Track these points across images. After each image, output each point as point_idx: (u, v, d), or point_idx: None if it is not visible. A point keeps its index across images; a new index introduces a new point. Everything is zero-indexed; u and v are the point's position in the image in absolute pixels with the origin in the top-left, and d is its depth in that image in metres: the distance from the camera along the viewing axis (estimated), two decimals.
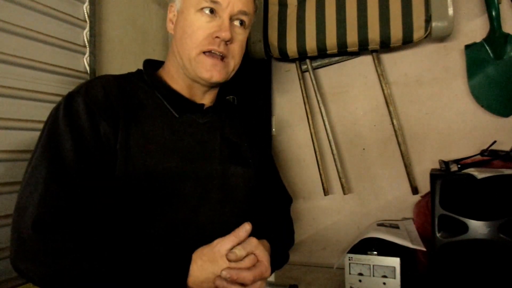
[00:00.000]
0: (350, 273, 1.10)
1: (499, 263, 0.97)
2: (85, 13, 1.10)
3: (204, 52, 0.77)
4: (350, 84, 1.45)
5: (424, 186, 1.31)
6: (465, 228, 1.00)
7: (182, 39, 0.79)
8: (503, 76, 1.23)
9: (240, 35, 0.81)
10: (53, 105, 0.74)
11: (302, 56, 1.38)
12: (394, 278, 1.05)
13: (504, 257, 0.97)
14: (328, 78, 1.47)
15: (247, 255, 0.67)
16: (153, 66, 0.86)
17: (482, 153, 1.20)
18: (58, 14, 1.02)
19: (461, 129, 1.31)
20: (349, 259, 1.10)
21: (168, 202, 0.73)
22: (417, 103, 1.36)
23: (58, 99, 0.75)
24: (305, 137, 1.48)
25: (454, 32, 1.26)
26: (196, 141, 0.80)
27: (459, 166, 1.08)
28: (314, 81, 1.42)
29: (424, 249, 1.05)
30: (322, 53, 1.34)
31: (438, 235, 1.02)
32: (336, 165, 1.40)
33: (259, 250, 0.68)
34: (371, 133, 1.42)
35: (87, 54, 1.10)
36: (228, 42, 0.78)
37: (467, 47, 1.27)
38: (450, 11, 1.18)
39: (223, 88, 0.91)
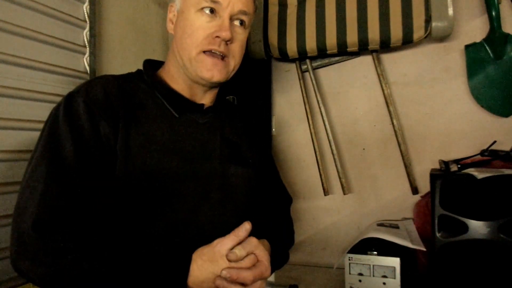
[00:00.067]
0: (350, 273, 1.10)
1: (499, 263, 0.97)
2: (85, 13, 1.10)
3: (204, 52, 0.77)
4: (350, 84, 1.45)
5: (424, 186, 1.31)
6: (465, 228, 1.00)
7: (182, 39, 0.79)
8: (503, 76, 1.23)
9: (240, 35, 0.81)
10: (53, 105, 0.74)
11: (302, 56, 1.38)
12: (394, 278, 1.05)
13: (504, 257, 0.97)
14: (328, 78, 1.47)
15: (247, 255, 0.67)
16: (153, 66, 0.86)
17: (482, 153, 1.20)
18: (58, 14, 1.02)
19: (461, 129, 1.31)
20: (349, 259, 1.10)
21: (168, 202, 0.73)
22: (417, 103, 1.36)
23: (58, 99, 0.75)
24: (305, 137, 1.48)
25: (454, 32, 1.26)
26: (196, 141, 0.80)
27: (459, 166, 1.08)
28: (314, 81, 1.42)
29: (424, 249, 1.05)
30: (322, 53, 1.34)
31: (438, 235, 1.02)
32: (336, 165, 1.40)
33: (259, 250, 0.68)
34: (371, 133, 1.42)
35: (87, 54, 1.10)
36: (228, 42, 0.78)
37: (467, 47, 1.27)
38: (450, 11, 1.18)
39: (223, 88, 0.91)
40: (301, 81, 1.45)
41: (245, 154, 0.89)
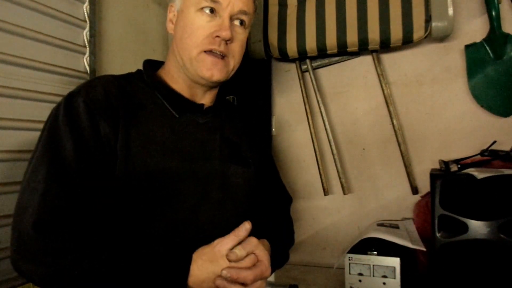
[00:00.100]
0: (350, 273, 1.10)
1: (499, 263, 0.97)
2: (85, 13, 1.10)
3: (205, 52, 0.77)
4: (350, 84, 1.45)
5: (424, 186, 1.31)
6: (465, 228, 1.00)
7: (182, 39, 0.79)
8: (503, 76, 1.23)
9: (240, 35, 0.81)
10: (53, 105, 0.74)
11: (302, 56, 1.38)
12: (394, 278, 1.06)
13: (504, 257, 0.97)
14: (328, 78, 1.47)
15: (247, 255, 0.67)
16: (153, 66, 0.86)
17: (482, 153, 1.20)
18: (58, 14, 1.02)
19: (461, 129, 1.31)
20: (349, 259, 1.10)
21: (168, 202, 0.74)
22: (417, 103, 1.36)
23: (58, 99, 0.75)
24: (305, 137, 1.48)
25: (454, 32, 1.26)
26: (196, 141, 0.80)
27: (459, 166, 1.08)
28: (314, 81, 1.42)
29: (424, 249, 1.05)
30: (322, 53, 1.34)
31: (438, 235, 1.02)
32: (336, 165, 1.40)
33: (259, 249, 0.68)
34: (371, 133, 1.42)
35: (87, 54, 1.10)
36: (228, 41, 0.78)
37: (467, 47, 1.27)
38: (450, 11, 1.18)
39: (223, 88, 0.91)
40: (301, 81, 1.45)
41: (245, 154, 0.89)
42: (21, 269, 0.63)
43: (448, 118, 1.33)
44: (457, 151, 1.29)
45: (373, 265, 1.08)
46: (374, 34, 1.25)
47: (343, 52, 1.34)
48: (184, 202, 0.75)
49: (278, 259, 0.83)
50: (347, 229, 1.44)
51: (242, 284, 0.65)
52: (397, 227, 1.24)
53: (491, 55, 1.24)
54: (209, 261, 0.64)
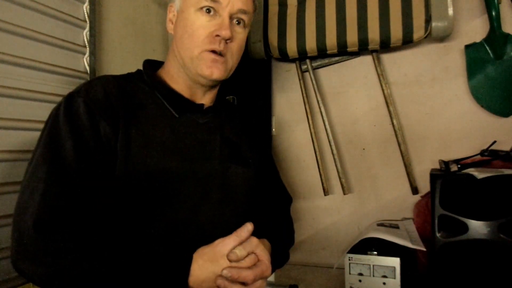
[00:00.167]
0: (350, 273, 1.10)
1: (499, 263, 0.97)
2: (85, 13, 1.10)
3: (205, 51, 0.77)
4: (350, 84, 1.45)
5: (424, 186, 1.31)
6: (465, 228, 1.00)
7: (182, 39, 0.79)
8: (503, 76, 1.23)
9: (240, 34, 0.81)
10: (53, 105, 0.74)
11: (302, 56, 1.38)
12: (394, 278, 1.06)
13: (504, 257, 0.97)
14: (328, 78, 1.47)
15: (247, 255, 0.67)
16: (153, 66, 0.86)
17: (482, 153, 1.20)
18: (58, 14, 1.01)
19: (461, 129, 1.31)
20: (349, 259, 1.10)
21: (168, 202, 0.74)
22: (417, 103, 1.36)
23: (58, 99, 0.75)
24: (305, 137, 1.48)
25: (454, 32, 1.26)
26: (196, 141, 0.80)
27: (459, 166, 1.08)
28: (314, 81, 1.42)
29: (424, 249, 1.05)
30: (322, 53, 1.34)
31: (438, 235, 1.02)
32: (336, 165, 1.40)
33: (259, 249, 0.68)
34: (371, 133, 1.42)
35: (87, 54, 1.10)
36: (228, 40, 0.78)
37: (467, 47, 1.27)
38: (450, 11, 1.18)
39: (223, 88, 0.91)
40: (301, 81, 1.45)
41: (245, 154, 0.89)
42: (21, 269, 0.63)
43: (448, 118, 1.33)
44: (457, 151, 1.29)
45: (373, 265, 1.08)
46: (374, 34, 1.25)
47: (343, 52, 1.34)
48: (184, 202, 0.75)
49: (279, 258, 0.83)
50: (347, 229, 1.44)
51: (243, 283, 0.65)
52: (397, 227, 1.24)
53: (491, 55, 1.24)
54: (210, 261, 0.64)
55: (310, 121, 1.44)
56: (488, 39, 1.24)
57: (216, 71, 0.78)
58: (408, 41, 1.24)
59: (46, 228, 0.61)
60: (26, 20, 0.93)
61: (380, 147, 1.41)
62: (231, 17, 0.78)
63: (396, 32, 1.23)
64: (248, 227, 0.68)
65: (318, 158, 1.43)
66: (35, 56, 0.95)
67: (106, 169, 0.69)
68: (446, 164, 1.12)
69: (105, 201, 0.68)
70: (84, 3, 1.10)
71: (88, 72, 1.10)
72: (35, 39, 0.96)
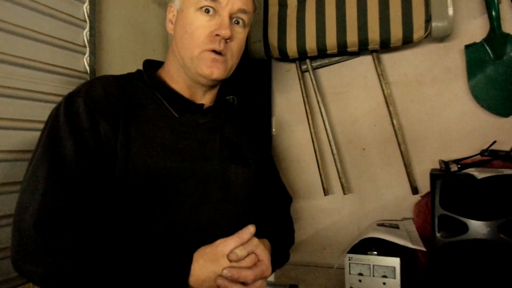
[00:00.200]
0: (350, 273, 1.10)
1: (499, 263, 0.97)
2: (85, 13, 1.10)
3: (205, 51, 0.77)
4: (350, 84, 1.45)
5: (424, 186, 1.31)
6: (465, 228, 1.00)
7: (182, 39, 0.79)
8: (503, 76, 1.23)
9: (240, 34, 0.81)
10: (53, 105, 0.74)
11: (302, 56, 1.38)
12: (394, 278, 1.05)
13: (504, 257, 0.97)
14: (328, 78, 1.47)
15: (248, 255, 0.67)
16: (153, 66, 0.86)
17: (482, 153, 1.20)
18: (58, 14, 1.01)
19: (461, 129, 1.31)
20: (349, 259, 1.10)
21: (168, 202, 0.74)
22: (417, 103, 1.36)
23: (58, 99, 0.75)
24: (305, 137, 1.48)
25: (454, 32, 1.26)
26: (196, 141, 0.80)
27: (459, 166, 1.08)
28: (314, 81, 1.42)
29: (424, 249, 1.05)
30: (322, 53, 1.34)
31: (438, 235, 1.02)
32: (336, 165, 1.40)
33: (259, 249, 0.68)
34: (371, 133, 1.42)
35: (87, 54, 1.10)
36: (228, 40, 0.78)
37: (467, 47, 1.27)
38: (450, 11, 1.18)
39: (223, 88, 0.91)
40: (301, 81, 1.45)
41: (245, 154, 0.89)
42: (22, 269, 0.63)
43: (448, 118, 1.33)
44: (457, 151, 1.29)
45: (373, 265, 1.08)
46: (374, 34, 1.25)
47: (343, 52, 1.34)
48: (184, 202, 0.75)
49: (279, 258, 0.83)
50: (347, 229, 1.44)
51: (243, 283, 0.65)
52: (397, 227, 1.24)
53: (491, 55, 1.24)
54: (210, 260, 0.64)
55: (310, 121, 1.44)
56: (488, 39, 1.24)
57: (216, 70, 0.78)
58: (408, 41, 1.24)
59: (46, 228, 0.61)
60: (26, 20, 0.93)
61: (380, 147, 1.41)
62: (230, 17, 0.78)
63: (396, 32, 1.23)
64: (250, 229, 0.68)
65: (318, 158, 1.43)
66: (35, 56, 0.95)
67: (106, 169, 0.69)
68: (446, 164, 1.12)
69: (105, 201, 0.68)
70: (84, 3, 1.10)
71: (88, 72, 1.10)
72: (35, 39, 0.96)
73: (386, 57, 1.39)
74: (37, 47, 0.96)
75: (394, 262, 1.06)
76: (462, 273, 1.00)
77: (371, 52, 1.35)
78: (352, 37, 1.28)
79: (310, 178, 1.48)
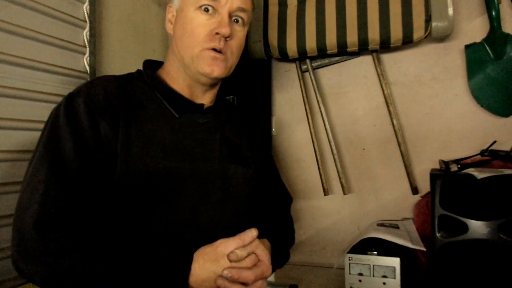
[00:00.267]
0: (350, 273, 1.10)
1: (499, 263, 0.97)
2: (85, 13, 1.10)
3: (205, 49, 0.77)
4: (350, 84, 1.45)
5: (424, 186, 1.31)
6: (465, 228, 1.00)
7: (182, 38, 0.79)
8: (503, 76, 1.23)
9: (239, 32, 0.81)
10: (53, 105, 0.74)
11: (302, 56, 1.38)
12: (394, 278, 1.06)
13: (504, 257, 0.97)
14: (328, 78, 1.47)
15: (248, 255, 0.67)
16: (153, 66, 0.86)
17: (482, 153, 1.20)
18: (58, 14, 1.01)
19: (461, 129, 1.31)
20: (349, 259, 1.10)
21: (168, 202, 0.74)
22: (417, 103, 1.36)
23: (58, 99, 0.75)
24: (305, 137, 1.48)
25: (454, 32, 1.26)
26: (196, 141, 0.80)
27: (459, 166, 1.08)
28: (314, 81, 1.42)
29: (424, 249, 1.05)
30: (322, 53, 1.34)
31: (438, 235, 1.02)
32: (336, 165, 1.40)
33: (260, 249, 0.68)
34: (371, 133, 1.42)
35: (87, 54, 1.10)
36: (228, 38, 0.78)
37: (467, 47, 1.27)
38: (450, 11, 1.18)
39: (223, 88, 0.91)
40: (301, 81, 1.45)
41: (245, 154, 0.89)
42: (22, 269, 0.63)
43: (448, 118, 1.33)
44: (457, 151, 1.29)
45: (373, 265, 1.08)
46: (374, 34, 1.25)
47: (343, 52, 1.34)
48: (184, 202, 0.75)
49: (279, 258, 0.83)
50: (347, 229, 1.44)
51: (243, 283, 0.65)
52: (397, 227, 1.24)
53: (491, 55, 1.24)
54: (210, 260, 0.64)
55: (310, 121, 1.44)
56: (488, 39, 1.24)
57: (217, 68, 0.78)
58: (408, 41, 1.24)
59: (46, 228, 0.61)
60: (26, 20, 0.93)
61: (380, 147, 1.41)
62: (230, 16, 0.78)
63: (396, 32, 1.23)
64: (253, 233, 0.68)
65: (318, 158, 1.43)
66: (35, 56, 0.95)
67: (106, 169, 0.69)
68: (446, 164, 1.12)
69: (105, 201, 0.68)
70: (84, 3, 1.10)
71: (88, 72, 1.10)
72: (35, 39, 0.96)
73: (386, 57, 1.39)
74: (37, 47, 0.96)
75: (394, 262, 1.06)
76: (462, 273, 1.00)
77: (371, 52, 1.35)
78: (352, 37, 1.28)
79: (310, 178, 1.48)
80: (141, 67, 0.86)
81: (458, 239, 1.00)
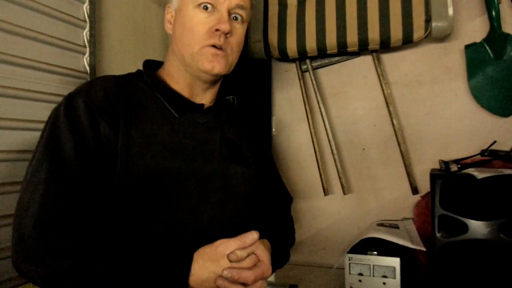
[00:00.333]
0: (350, 273, 1.10)
1: (499, 263, 0.97)
2: (85, 13, 1.10)
3: (206, 46, 0.77)
4: (350, 84, 1.45)
5: (424, 186, 1.31)
6: (465, 228, 1.00)
7: (182, 36, 0.79)
8: (503, 76, 1.23)
9: (238, 29, 0.81)
10: (53, 105, 0.74)
11: (302, 56, 1.38)
12: (394, 278, 1.06)
13: (504, 257, 0.97)
14: (328, 78, 1.47)
15: (248, 255, 0.67)
16: (153, 66, 0.86)
17: (482, 153, 1.20)
18: (58, 14, 1.01)
19: (461, 129, 1.31)
20: (349, 259, 1.10)
21: (169, 202, 0.74)
22: (417, 103, 1.36)
23: (58, 99, 0.75)
24: (305, 137, 1.48)
25: (454, 32, 1.26)
26: (196, 141, 0.80)
27: (459, 166, 1.08)
28: (314, 81, 1.42)
29: (424, 249, 1.05)
30: (322, 53, 1.34)
31: (438, 235, 1.02)
32: (336, 165, 1.40)
33: (260, 250, 0.68)
34: (371, 133, 1.42)
35: (87, 54, 1.10)
36: (227, 34, 0.78)
37: (467, 47, 1.27)
38: (450, 11, 1.18)
39: (223, 88, 0.91)
40: (301, 81, 1.45)
41: (245, 154, 0.89)
42: (22, 269, 0.63)
43: (448, 118, 1.33)
44: (457, 151, 1.29)
45: (373, 265, 1.08)
46: (374, 34, 1.25)
47: (343, 52, 1.34)
48: (184, 202, 0.75)
49: (279, 259, 0.83)
50: (347, 229, 1.44)
51: (243, 284, 0.65)
52: (397, 227, 1.24)
53: (491, 55, 1.24)
54: (210, 261, 0.64)
55: (310, 121, 1.44)
56: (488, 39, 1.24)
57: (217, 65, 0.78)
58: (408, 41, 1.24)
59: (46, 228, 0.61)
60: (26, 20, 0.93)
61: (380, 147, 1.41)
62: (229, 13, 0.79)
63: (396, 32, 1.23)
64: (254, 235, 0.68)
65: (318, 158, 1.43)
66: (35, 56, 0.95)
67: (106, 169, 0.69)
68: (446, 164, 1.12)
69: (106, 201, 0.68)
70: (84, 3, 1.10)
71: (88, 72, 1.10)
72: (35, 39, 0.96)
73: (386, 57, 1.39)
74: (37, 47, 0.96)
75: (394, 262, 1.06)
76: (462, 273, 1.00)
77: (371, 52, 1.35)
78: (352, 37, 1.28)
79: (310, 178, 1.48)
80: (141, 67, 0.86)
81: (458, 239, 1.00)
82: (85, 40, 1.10)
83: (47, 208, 0.62)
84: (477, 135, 1.28)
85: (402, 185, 1.36)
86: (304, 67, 1.45)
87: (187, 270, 0.63)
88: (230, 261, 0.64)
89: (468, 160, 1.16)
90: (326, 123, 1.41)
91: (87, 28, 1.10)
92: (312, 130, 1.44)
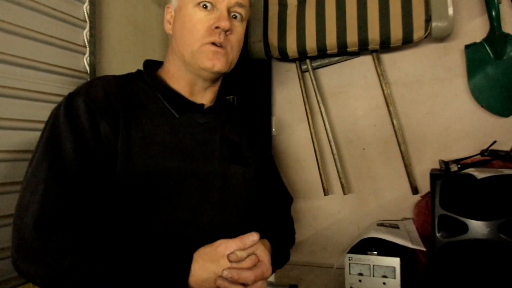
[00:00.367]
0: (350, 273, 1.10)
1: (499, 263, 0.97)
2: (85, 13, 1.10)
3: (206, 44, 0.78)
4: (350, 84, 1.45)
5: (424, 186, 1.31)
6: (465, 228, 1.00)
7: (182, 35, 0.79)
8: (503, 76, 1.23)
9: (238, 27, 0.82)
10: (53, 105, 0.74)
11: (302, 56, 1.38)
12: (394, 278, 1.06)
13: (504, 257, 0.97)
14: (328, 78, 1.47)
15: (248, 256, 0.67)
16: (153, 66, 0.86)
17: (482, 153, 1.20)
18: (58, 14, 1.01)
19: (461, 129, 1.31)
20: (349, 259, 1.10)
21: (169, 202, 0.74)
22: (417, 103, 1.36)
23: (58, 99, 0.75)
24: (305, 137, 1.48)
25: (454, 32, 1.26)
26: (196, 141, 0.80)
27: (459, 166, 1.08)
28: (314, 81, 1.42)
29: (424, 249, 1.05)
30: (322, 53, 1.34)
31: (438, 235, 1.02)
32: (336, 165, 1.40)
33: (260, 250, 0.68)
34: (371, 133, 1.42)
35: (87, 54, 1.10)
36: (227, 32, 0.78)
37: (467, 47, 1.27)
38: (450, 11, 1.18)
39: (223, 88, 0.91)
40: (301, 81, 1.45)
41: (245, 154, 0.89)
42: (22, 269, 0.63)
43: (448, 118, 1.33)
44: (457, 151, 1.29)
45: (373, 265, 1.08)
46: (374, 34, 1.25)
47: (343, 52, 1.34)
48: (184, 202, 0.75)
49: (279, 259, 0.83)
50: (347, 229, 1.44)
51: (243, 284, 0.65)
52: (397, 227, 1.24)
53: (491, 55, 1.24)
54: (210, 261, 0.64)
55: (310, 121, 1.44)
56: (488, 39, 1.24)
57: (218, 62, 0.78)
58: (408, 41, 1.24)
59: (46, 228, 0.61)
60: (26, 20, 0.93)
61: (380, 147, 1.41)
62: (228, 11, 0.79)
63: (396, 32, 1.23)
64: (254, 237, 0.68)
65: (318, 158, 1.43)
66: (35, 56, 0.95)
67: (106, 169, 0.69)
68: (446, 164, 1.12)
69: (106, 201, 0.68)
70: (84, 3, 1.10)
71: (88, 72, 1.10)
72: (35, 39, 0.96)
73: (386, 57, 1.39)
74: (37, 47, 0.96)
75: (394, 262, 1.06)
76: (462, 273, 1.00)
77: (371, 52, 1.35)
78: (352, 37, 1.28)
79: (310, 178, 1.48)
80: (141, 67, 0.86)
81: (458, 239, 1.00)
82: (85, 40, 1.10)
83: (47, 208, 0.62)
84: (477, 135, 1.28)
85: (402, 185, 1.36)
86: (304, 67, 1.45)
87: (187, 270, 0.63)
88: (230, 261, 0.64)
89: (468, 160, 1.16)
90: (326, 123, 1.41)
91: (87, 28, 1.10)
92: (312, 130, 1.44)
